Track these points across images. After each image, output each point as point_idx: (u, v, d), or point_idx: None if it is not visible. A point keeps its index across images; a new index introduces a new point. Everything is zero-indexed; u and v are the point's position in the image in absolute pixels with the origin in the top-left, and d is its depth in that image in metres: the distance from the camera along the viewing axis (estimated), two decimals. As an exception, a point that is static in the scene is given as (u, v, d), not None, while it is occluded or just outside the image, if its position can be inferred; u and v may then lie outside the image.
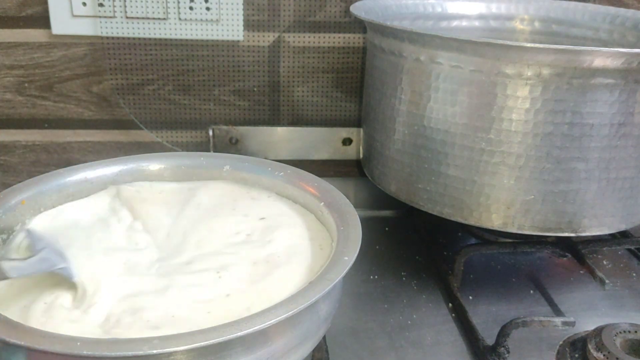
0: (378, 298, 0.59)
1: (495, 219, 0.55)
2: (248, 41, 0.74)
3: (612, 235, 0.65)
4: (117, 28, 0.70)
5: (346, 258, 0.41)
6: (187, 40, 0.72)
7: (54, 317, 0.38)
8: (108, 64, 0.72)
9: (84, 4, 0.68)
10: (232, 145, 0.76)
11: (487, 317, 0.56)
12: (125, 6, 0.69)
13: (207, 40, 0.72)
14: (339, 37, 0.75)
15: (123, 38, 0.71)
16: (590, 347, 0.49)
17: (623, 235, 0.66)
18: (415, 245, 0.69)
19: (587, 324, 0.54)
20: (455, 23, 0.74)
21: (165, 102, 0.75)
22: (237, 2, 0.71)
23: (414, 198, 0.59)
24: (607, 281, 0.56)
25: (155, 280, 0.43)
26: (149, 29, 0.70)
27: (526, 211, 0.54)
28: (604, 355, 0.48)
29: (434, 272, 0.63)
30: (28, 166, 0.76)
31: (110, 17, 0.69)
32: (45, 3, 0.69)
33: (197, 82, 0.75)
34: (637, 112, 0.51)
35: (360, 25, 0.74)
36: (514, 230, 0.55)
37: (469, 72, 0.52)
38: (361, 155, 0.71)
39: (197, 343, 0.33)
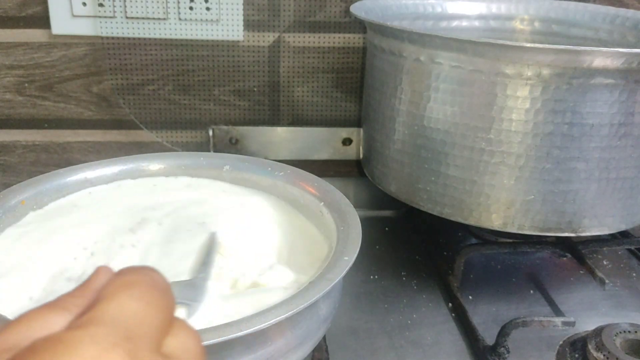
0: (378, 298, 0.59)
1: (495, 219, 0.55)
2: (248, 41, 0.74)
3: (612, 235, 0.65)
4: (117, 28, 0.70)
5: (346, 258, 0.41)
6: (187, 40, 0.72)
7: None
8: (108, 64, 0.72)
9: (84, 4, 0.68)
10: (232, 145, 0.76)
11: (487, 317, 0.56)
12: (125, 6, 0.69)
13: (207, 40, 0.72)
14: (339, 37, 0.75)
15: (123, 38, 0.71)
16: (590, 347, 0.49)
17: (623, 235, 0.66)
18: (415, 245, 0.69)
19: (587, 324, 0.54)
20: (455, 23, 0.74)
21: (165, 102, 0.75)
22: (237, 2, 0.70)
23: (414, 198, 0.59)
24: (607, 281, 0.56)
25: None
26: (149, 29, 0.70)
27: (526, 211, 0.54)
28: (604, 355, 0.48)
29: (434, 272, 0.63)
30: (28, 166, 0.76)
31: (110, 17, 0.69)
32: (45, 3, 0.69)
33: (197, 82, 0.75)
34: (637, 112, 0.51)
35: (360, 25, 0.74)
36: (514, 230, 0.55)
37: (469, 72, 0.52)
38: (361, 155, 0.71)
39: (197, 343, 0.33)
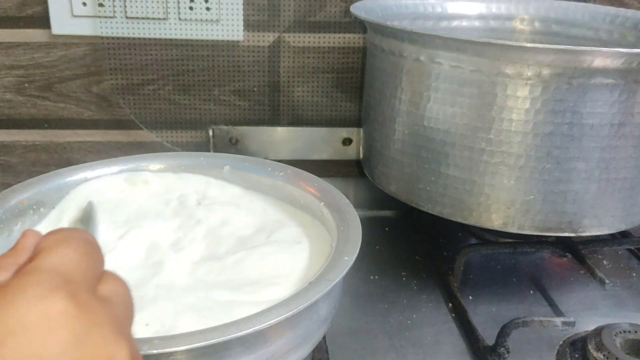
0: (378, 298, 0.59)
1: (495, 219, 0.55)
2: (248, 41, 0.74)
3: (612, 235, 0.65)
4: (117, 28, 0.70)
5: (346, 258, 0.41)
6: (187, 40, 0.72)
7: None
8: (108, 64, 0.72)
9: (84, 4, 0.68)
10: (232, 145, 0.76)
11: (487, 317, 0.56)
12: (125, 6, 0.69)
13: (207, 40, 0.72)
14: (339, 37, 0.75)
15: (123, 38, 0.71)
16: (590, 347, 0.49)
17: (623, 235, 0.66)
18: (415, 245, 0.69)
19: (587, 324, 0.54)
20: (455, 23, 0.74)
21: (165, 102, 0.75)
22: (237, 2, 0.70)
23: (414, 198, 0.59)
24: (607, 281, 0.56)
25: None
26: (149, 29, 0.70)
27: (526, 211, 0.54)
28: (604, 355, 0.48)
29: (434, 272, 0.63)
30: (28, 166, 0.76)
31: (110, 17, 0.69)
32: (45, 3, 0.69)
33: (197, 82, 0.75)
34: (637, 112, 0.51)
35: (360, 25, 0.74)
36: (514, 230, 0.55)
37: (469, 72, 0.52)
38: (361, 155, 0.71)
39: (197, 343, 0.33)
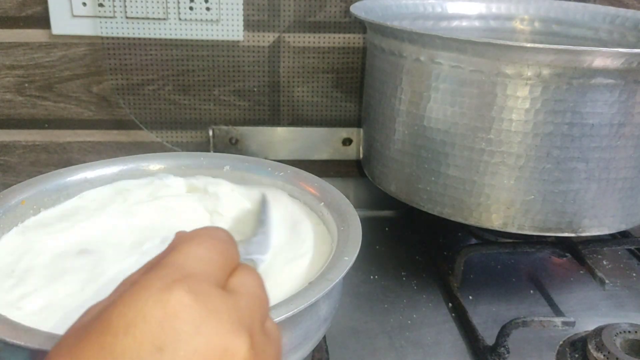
0: (378, 298, 0.59)
1: (495, 219, 0.55)
2: (248, 41, 0.74)
3: (612, 235, 0.65)
4: (117, 28, 0.70)
5: (346, 258, 0.41)
6: (187, 40, 0.72)
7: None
8: (108, 64, 0.72)
9: (84, 4, 0.68)
10: (232, 145, 0.76)
11: (487, 317, 0.56)
12: (125, 6, 0.69)
13: (207, 40, 0.72)
14: (339, 37, 0.75)
15: (123, 38, 0.71)
16: (590, 347, 0.49)
17: (623, 235, 0.66)
18: (415, 245, 0.69)
19: (587, 324, 0.54)
20: (455, 23, 0.74)
21: (165, 102, 0.75)
22: (237, 2, 0.71)
23: (414, 198, 0.59)
24: (607, 281, 0.56)
25: None
26: (149, 29, 0.70)
27: (526, 211, 0.54)
28: (604, 355, 0.48)
29: (434, 272, 0.63)
30: (28, 166, 0.76)
31: (110, 17, 0.69)
32: (45, 3, 0.69)
33: (197, 82, 0.75)
34: (637, 112, 0.51)
35: (360, 25, 0.74)
36: (514, 230, 0.55)
37: (469, 72, 0.52)
38: (361, 155, 0.71)
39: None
